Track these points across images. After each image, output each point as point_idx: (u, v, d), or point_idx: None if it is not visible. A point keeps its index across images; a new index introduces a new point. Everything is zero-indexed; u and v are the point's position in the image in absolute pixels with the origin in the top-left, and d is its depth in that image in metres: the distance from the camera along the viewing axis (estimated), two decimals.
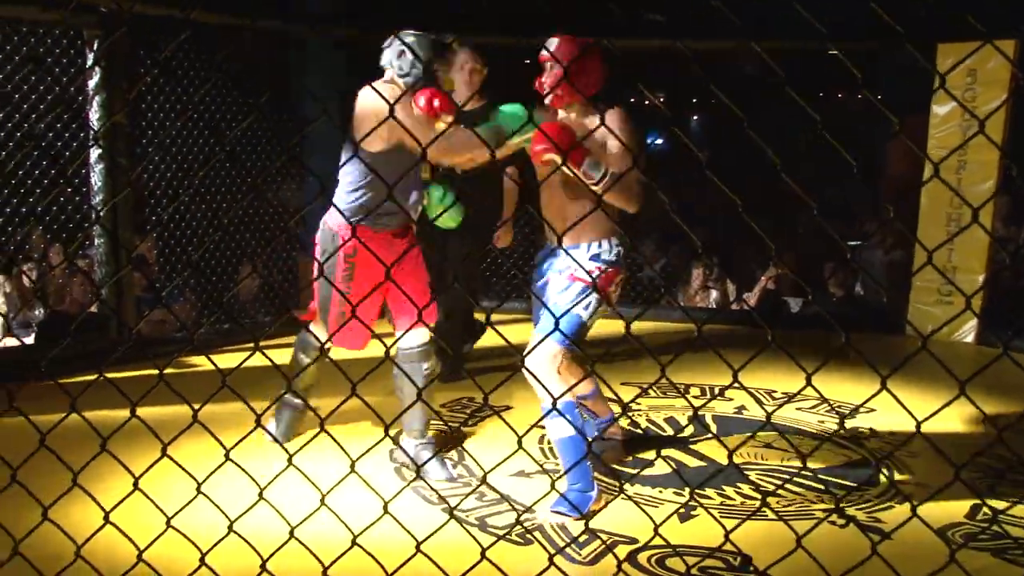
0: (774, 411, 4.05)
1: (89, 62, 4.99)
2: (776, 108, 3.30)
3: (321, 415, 1.52)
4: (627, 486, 3.39)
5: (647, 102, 11.78)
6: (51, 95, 5.02)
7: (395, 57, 3.36)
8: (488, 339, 5.08)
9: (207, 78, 5.59)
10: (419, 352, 3.52)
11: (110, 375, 1.55)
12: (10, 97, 4.90)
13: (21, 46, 4.83)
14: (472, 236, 4.50)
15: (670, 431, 4.06)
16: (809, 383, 1.26)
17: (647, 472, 3.49)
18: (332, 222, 3.43)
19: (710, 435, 3.98)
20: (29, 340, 5.43)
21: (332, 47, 6.38)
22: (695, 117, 13.87)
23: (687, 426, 4.09)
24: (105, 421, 1.80)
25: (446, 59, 3.46)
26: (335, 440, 1.54)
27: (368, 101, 3.25)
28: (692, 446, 3.85)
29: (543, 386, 1.50)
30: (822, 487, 3.42)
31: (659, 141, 13.56)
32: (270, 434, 3.61)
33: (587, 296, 3.11)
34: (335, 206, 1.76)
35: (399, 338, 3.48)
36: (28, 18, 4.73)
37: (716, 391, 4.60)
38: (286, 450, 1.46)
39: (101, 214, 5.12)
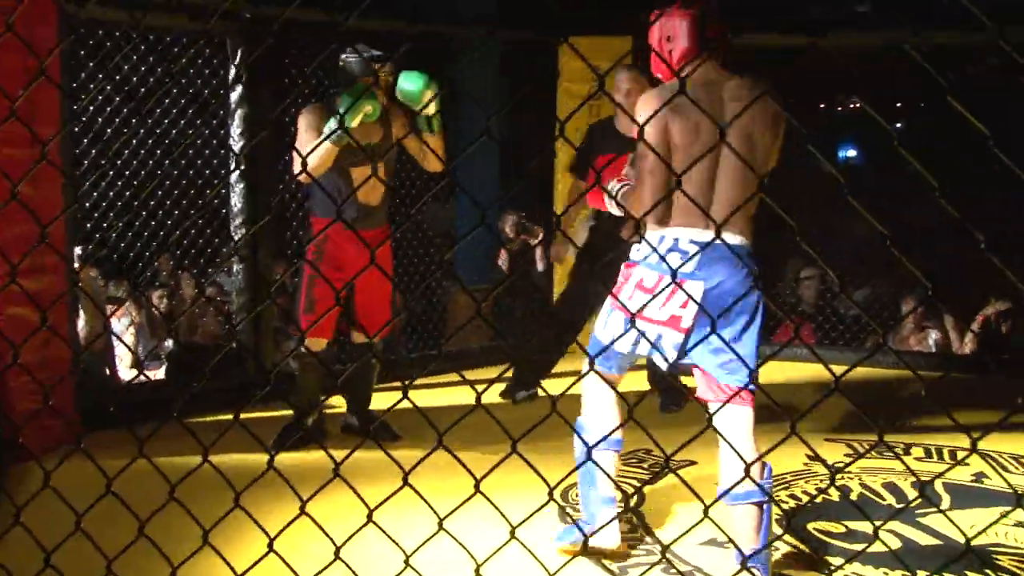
0: None
1: (232, 74, 5.17)
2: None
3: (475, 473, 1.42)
4: (846, 565, 3.13)
5: (839, 108, 11.34)
6: (191, 111, 5.24)
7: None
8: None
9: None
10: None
11: (246, 415, 1.54)
12: (149, 113, 5.14)
13: (161, 60, 5.07)
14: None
15: (890, 500, 3.76)
16: None
17: (869, 549, 3.22)
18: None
19: (941, 508, 3.66)
20: (159, 373, 5.65)
21: (487, 53, 6.43)
22: (898, 124, 13.20)
23: (917, 498, 3.78)
24: (238, 468, 1.76)
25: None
26: (492, 503, 1.43)
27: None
28: (920, 519, 3.55)
29: (735, 450, 1.35)
30: None
31: (852, 153, 13.02)
32: None
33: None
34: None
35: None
36: (177, 27, 4.96)
37: (947, 454, 4.27)
38: (436, 514, 1.36)
39: (239, 238, 5.27)
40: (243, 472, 1.66)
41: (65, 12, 4.35)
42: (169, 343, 5.93)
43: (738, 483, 1.49)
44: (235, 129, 5.18)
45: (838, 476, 4.02)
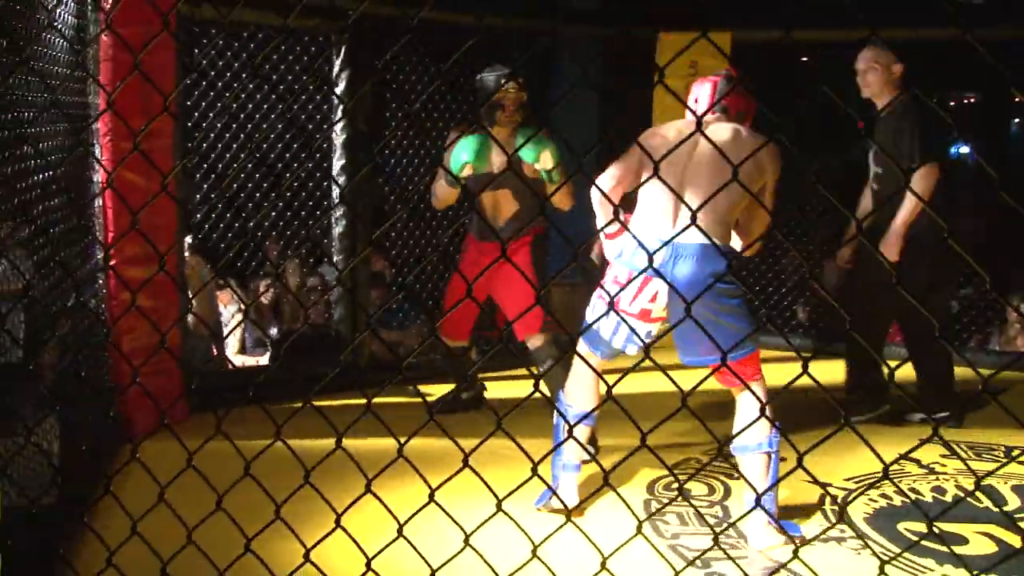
0: None
1: (336, 69, 5.29)
2: None
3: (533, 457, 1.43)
4: (944, 569, 3.04)
5: (953, 103, 10.96)
6: (296, 104, 5.38)
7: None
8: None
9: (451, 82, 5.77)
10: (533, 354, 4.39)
11: (335, 402, 1.59)
12: (256, 109, 5.29)
13: (264, 57, 5.21)
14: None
15: (987, 503, 3.63)
16: None
17: (963, 551, 3.13)
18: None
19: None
20: (264, 359, 5.81)
21: (588, 46, 6.43)
22: (1016, 120, 12.67)
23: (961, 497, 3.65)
24: (313, 450, 1.81)
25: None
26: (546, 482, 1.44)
27: None
28: (1022, 523, 3.43)
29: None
30: None
31: (964, 149, 12.53)
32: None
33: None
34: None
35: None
36: (293, 24, 5.10)
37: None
38: (495, 496, 1.38)
39: (340, 230, 5.39)
40: (319, 454, 1.70)
41: (182, 16, 4.52)
42: (274, 330, 6.10)
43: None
44: (338, 125, 5.31)
45: (932, 476, 3.91)
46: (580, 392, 3.46)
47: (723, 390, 3.40)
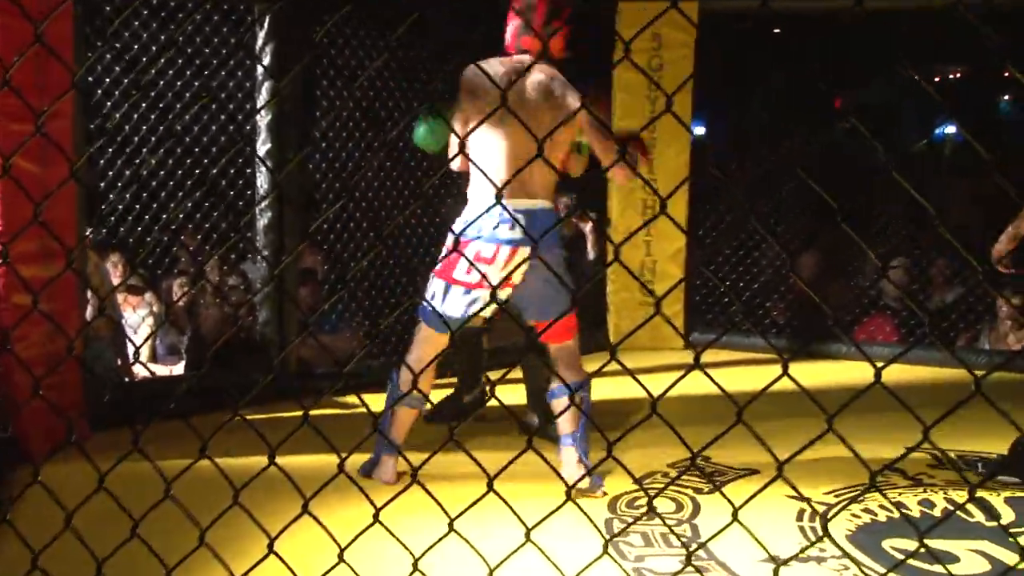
0: None
1: (260, 42, 5.24)
2: None
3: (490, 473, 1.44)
4: None
5: (937, 79, 11.15)
6: (215, 81, 5.32)
7: None
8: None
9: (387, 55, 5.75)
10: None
11: (262, 415, 1.58)
12: (168, 88, 5.23)
13: (182, 30, 5.15)
14: None
15: (979, 517, 3.72)
16: None
17: (954, 569, 3.20)
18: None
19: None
20: (178, 368, 5.75)
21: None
22: (1006, 97, 12.92)
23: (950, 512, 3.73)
24: (243, 468, 1.81)
25: None
26: (505, 501, 1.45)
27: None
28: (1016, 538, 3.51)
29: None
30: None
31: (951, 129, 12.76)
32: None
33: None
34: None
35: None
36: None
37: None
38: (447, 514, 1.39)
39: (265, 223, 5.35)
40: (248, 472, 1.70)
41: None
42: (186, 337, 6.04)
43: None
44: (261, 102, 5.27)
45: (920, 488, 3.99)
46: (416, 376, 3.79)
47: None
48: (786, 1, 6.06)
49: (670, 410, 4.59)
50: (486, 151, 3.83)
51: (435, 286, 3.87)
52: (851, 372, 5.26)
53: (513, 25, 3.95)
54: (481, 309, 3.78)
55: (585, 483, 3.79)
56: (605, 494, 3.86)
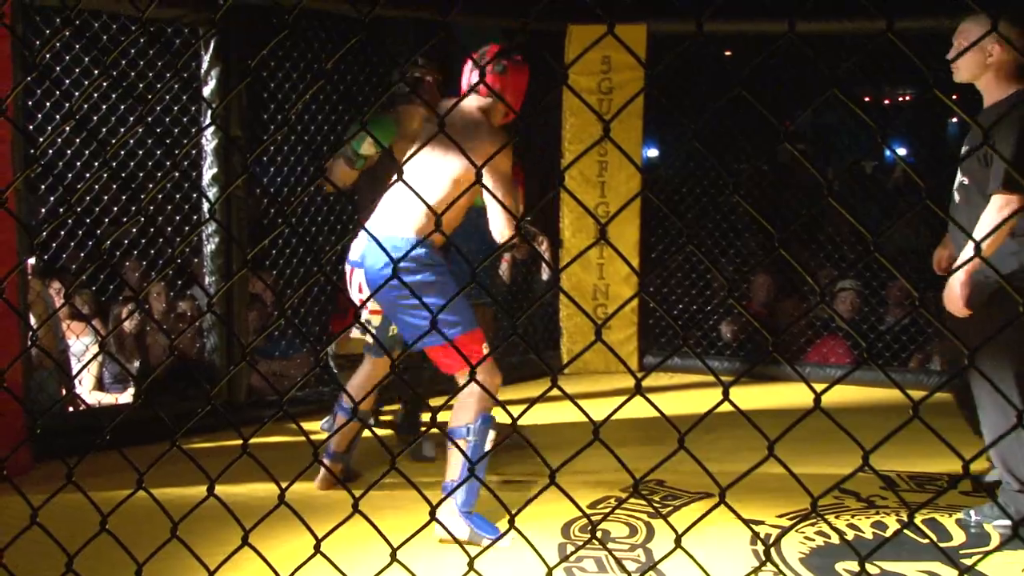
0: None
1: (204, 66, 5.21)
2: None
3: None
4: None
5: (887, 101, 11.34)
6: (159, 106, 5.28)
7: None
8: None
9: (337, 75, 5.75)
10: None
11: (210, 444, 1.56)
12: (112, 109, 5.18)
13: (128, 50, 5.10)
14: None
15: (932, 537, 3.76)
16: None
17: None
18: None
19: (992, 548, 3.65)
20: (125, 396, 5.68)
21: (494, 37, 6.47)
22: (953, 120, 13.12)
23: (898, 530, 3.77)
24: (187, 499, 1.78)
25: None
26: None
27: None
28: (965, 560, 3.55)
29: None
30: None
31: (902, 151, 12.92)
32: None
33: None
34: None
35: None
36: (151, 15, 4.99)
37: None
38: (389, 544, 1.38)
39: (212, 248, 5.31)
40: (186, 504, 1.68)
41: (19, 2, 4.41)
42: (137, 364, 5.96)
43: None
44: (208, 127, 5.23)
45: (872, 510, 4.02)
46: (355, 389, 4.13)
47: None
48: (725, 25, 6.15)
49: (627, 434, 4.64)
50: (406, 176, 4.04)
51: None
52: (807, 394, 5.29)
53: (467, 71, 4.05)
54: (355, 325, 4.22)
55: (463, 534, 3.48)
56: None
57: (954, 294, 3.58)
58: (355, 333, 4.26)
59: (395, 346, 4.07)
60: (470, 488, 3.65)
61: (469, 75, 4.04)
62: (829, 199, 1.18)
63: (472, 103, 3.96)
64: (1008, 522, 3.71)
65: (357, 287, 3.94)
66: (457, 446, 3.55)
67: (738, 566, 3.46)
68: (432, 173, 3.80)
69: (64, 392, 5.29)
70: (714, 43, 6.72)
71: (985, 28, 3.54)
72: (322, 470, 4.09)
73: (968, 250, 3.50)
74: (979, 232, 3.45)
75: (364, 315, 3.97)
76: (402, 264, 3.64)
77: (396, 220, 3.83)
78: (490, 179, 3.72)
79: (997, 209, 3.46)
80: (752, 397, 4.93)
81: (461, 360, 3.70)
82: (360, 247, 3.91)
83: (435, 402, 5.36)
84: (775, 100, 7.23)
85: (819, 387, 1.35)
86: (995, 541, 3.73)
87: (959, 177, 3.76)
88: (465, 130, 3.75)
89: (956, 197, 3.77)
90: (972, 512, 3.86)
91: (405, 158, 3.90)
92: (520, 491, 4.14)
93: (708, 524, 3.78)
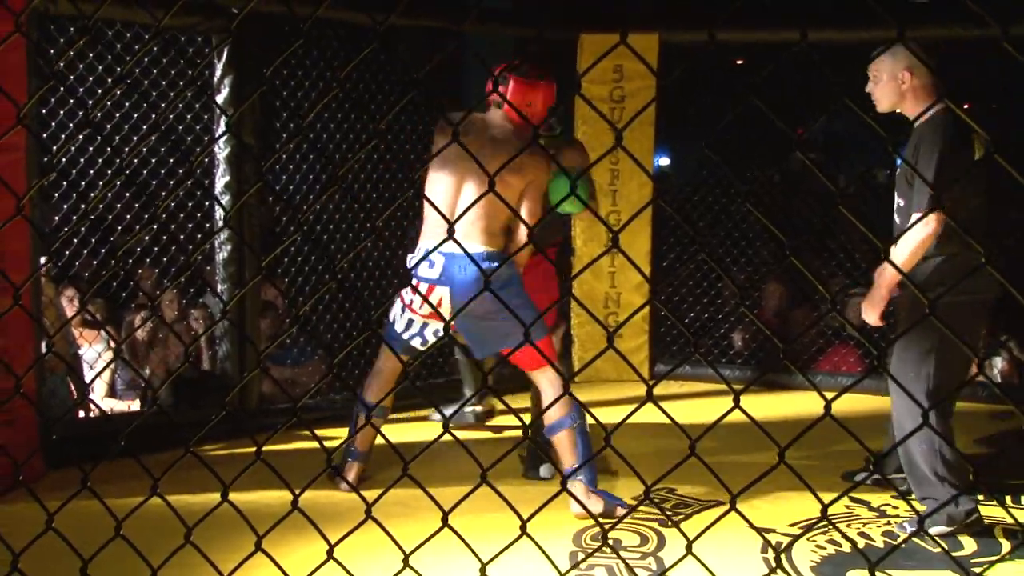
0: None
1: (218, 74, 5.23)
2: None
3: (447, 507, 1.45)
4: None
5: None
6: (172, 114, 5.31)
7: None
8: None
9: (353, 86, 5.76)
10: None
11: (224, 451, 1.58)
12: (124, 119, 5.21)
13: (142, 58, 5.12)
14: None
15: (943, 548, 3.75)
16: None
17: None
18: None
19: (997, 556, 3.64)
20: (137, 404, 5.70)
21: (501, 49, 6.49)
22: None
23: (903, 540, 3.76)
24: (202, 505, 1.80)
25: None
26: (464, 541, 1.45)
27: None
28: (977, 568, 3.53)
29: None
30: None
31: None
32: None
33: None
34: None
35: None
36: (165, 24, 5.00)
37: (1009, 499, 4.24)
38: (402, 550, 1.39)
39: (225, 256, 5.32)
40: (201, 510, 1.69)
41: (35, 11, 4.43)
42: (149, 371, 5.99)
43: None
44: (222, 135, 5.25)
45: (883, 520, 4.02)
46: (375, 388, 4.29)
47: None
48: (737, 33, 6.14)
49: (640, 443, 4.64)
50: (434, 190, 4.11)
51: (395, 306, 4.28)
52: (819, 403, 5.28)
53: (500, 77, 4.12)
54: (417, 335, 4.21)
55: (598, 508, 3.94)
56: (624, 509, 4.01)
57: (872, 305, 3.89)
58: (416, 339, 4.25)
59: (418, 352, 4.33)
60: (592, 467, 4.09)
61: (505, 86, 4.14)
62: (840, 207, 1.18)
63: (504, 115, 4.15)
64: (942, 528, 3.76)
65: (436, 302, 3.99)
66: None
67: (749, 574, 3.47)
68: (473, 185, 4.03)
69: (76, 398, 5.31)
70: (727, 52, 6.72)
71: (897, 60, 3.83)
72: (354, 470, 4.37)
73: (886, 266, 3.77)
74: (898, 249, 3.69)
75: (418, 320, 4.17)
76: (492, 276, 3.79)
77: (476, 233, 4.00)
78: (536, 192, 4.10)
79: (921, 226, 3.64)
80: (764, 405, 4.93)
81: (541, 359, 3.97)
82: (438, 265, 3.98)
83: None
84: (787, 109, 7.23)
85: (830, 395, 1.35)
86: (1006, 548, 3.72)
87: (896, 199, 3.96)
88: (521, 143, 3.95)
89: (897, 218, 3.97)
90: (906, 524, 3.93)
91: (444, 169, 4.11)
92: (531, 501, 4.15)
93: (720, 532, 3.80)
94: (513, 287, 4.00)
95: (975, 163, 3.78)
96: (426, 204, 4.09)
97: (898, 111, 3.91)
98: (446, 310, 3.95)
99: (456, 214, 3.86)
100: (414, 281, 4.08)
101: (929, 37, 5.42)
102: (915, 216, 3.70)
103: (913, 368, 3.73)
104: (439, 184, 4.12)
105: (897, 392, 3.71)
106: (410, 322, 4.19)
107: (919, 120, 3.80)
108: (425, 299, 3.95)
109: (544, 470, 4.55)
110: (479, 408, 5.40)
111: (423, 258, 4.02)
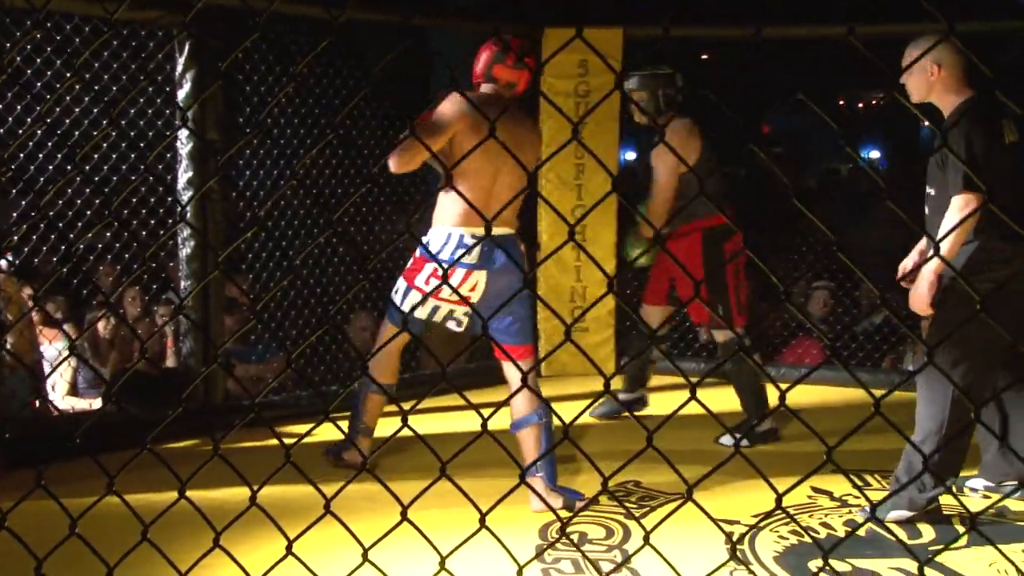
0: None
1: (179, 69, 5.19)
2: None
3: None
4: None
5: (860, 104, 11.40)
6: (132, 109, 5.26)
7: None
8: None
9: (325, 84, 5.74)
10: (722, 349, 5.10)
11: (185, 446, 1.56)
12: (83, 114, 5.15)
13: (101, 53, 5.07)
14: None
15: (901, 535, 3.78)
16: None
17: None
18: None
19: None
20: (99, 402, 5.65)
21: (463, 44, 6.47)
22: (926, 123, 13.21)
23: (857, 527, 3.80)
24: (155, 505, 1.78)
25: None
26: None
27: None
28: (936, 558, 3.57)
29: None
30: None
31: (875, 154, 13.01)
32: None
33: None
34: None
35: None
36: (122, 17, 4.94)
37: (967, 489, 4.28)
38: (361, 545, 1.38)
39: (188, 252, 5.28)
40: (158, 508, 1.67)
41: None
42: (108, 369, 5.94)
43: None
44: (181, 130, 5.21)
45: (845, 509, 4.05)
46: (381, 366, 4.30)
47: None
48: (694, 29, 6.17)
49: (606, 436, 4.61)
50: (468, 180, 4.04)
51: (399, 285, 4.25)
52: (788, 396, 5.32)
53: (485, 55, 4.16)
54: (449, 319, 4.17)
55: (558, 503, 3.97)
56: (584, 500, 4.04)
57: (921, 295, 3.74)
58: (451, 322, 4.21)
59: (428, 329, 4.38)
60: (552, 463, 4.05)
61: (487, 60, 4.17)
62: (794, 201, 1.19)
63: (500, 93, 4.20)
64: (903, 512, 3.81)
65: (470, 287, 4.02)
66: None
67: (712, 565, 3.48)
68: (519, 171, 4.03)
69: (35, 397, 5.25)
70: (689, 47, 6.76)
71: (915, 55, 3.78)
72: (363, 445, 4.31)
73: (931, 252, 3.57)
74: (941, 234, 3.42)
75: (445, 305, 4.12)
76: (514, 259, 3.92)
77: (511, 218, 4.18)
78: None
79: (958, 210, 3.65)
80: (729, 399, 4.94)
81: (533, 350, 4.25)
82: (476, 250, 3.97)
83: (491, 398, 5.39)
84: (753, 104, 7.27)
85: (784, 386, 1.36)
86: (964, 539, 3.76)
87: (927, 189, 3.95)
88: (527, 125, 4.30)
89: (927, 209, 3.95)
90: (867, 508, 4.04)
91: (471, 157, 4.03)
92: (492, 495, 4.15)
93: (684, 524, 3.83)
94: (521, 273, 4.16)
95: (1006, 148, 3.81)
96: (453, 190, 3.98)
97: (932, 101, 3.94)
98: (479, 294, 4.03)
99: (497, 200, 4.05)
100: (448, 268, 3.97)
101: (966, 33, 5.50)
102: (954, 200, 3.68)
103: (951, 358, 3.69)
104: (477, 170, 4.05)
105: (929, 387, 3.68)
106: (436, 308, 4.14)
107: (950, 111, 3.86)
108: (455, 289, 3.89)
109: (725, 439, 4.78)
110: (631, 396, 5.24)
111: (471, 248, 3.96)
